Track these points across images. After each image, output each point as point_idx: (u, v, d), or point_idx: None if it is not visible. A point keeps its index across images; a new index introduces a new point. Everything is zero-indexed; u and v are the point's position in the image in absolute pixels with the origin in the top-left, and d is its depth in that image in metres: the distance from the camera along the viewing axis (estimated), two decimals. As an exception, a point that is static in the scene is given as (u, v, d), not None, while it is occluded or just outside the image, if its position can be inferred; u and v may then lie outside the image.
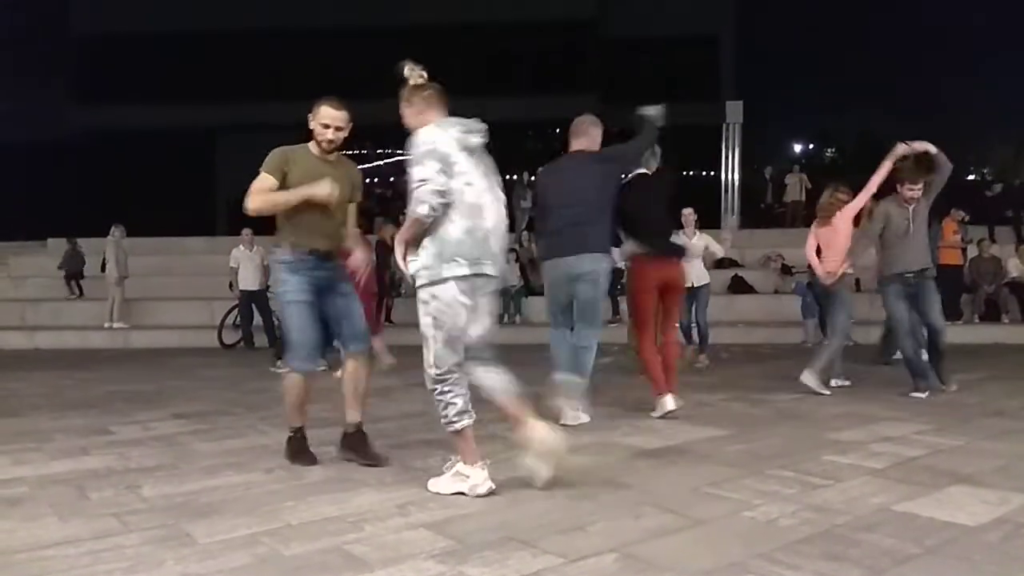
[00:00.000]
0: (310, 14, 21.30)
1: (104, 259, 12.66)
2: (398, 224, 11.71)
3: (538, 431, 3.17)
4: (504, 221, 3.25)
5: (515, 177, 15.32)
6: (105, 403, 5.91)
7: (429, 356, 3.13)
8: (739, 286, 13.12)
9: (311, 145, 3.73)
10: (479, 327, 3.20)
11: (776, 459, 3.72)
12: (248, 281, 10.41)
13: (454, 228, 3.05)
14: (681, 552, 2.49)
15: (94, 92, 21.84)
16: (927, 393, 5.56)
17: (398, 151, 20.36)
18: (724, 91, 21.42)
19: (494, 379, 3.23)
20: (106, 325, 12.20)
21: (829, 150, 36.86)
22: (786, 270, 13.03)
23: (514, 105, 20.63)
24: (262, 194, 3.60)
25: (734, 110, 17.86)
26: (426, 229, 3.06)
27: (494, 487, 3.16)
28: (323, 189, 3.55)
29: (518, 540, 2.60)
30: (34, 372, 8.25)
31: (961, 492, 3.12)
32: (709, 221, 18.22)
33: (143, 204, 18.62)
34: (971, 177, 32.14)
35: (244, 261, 10.43)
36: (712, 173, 20.29)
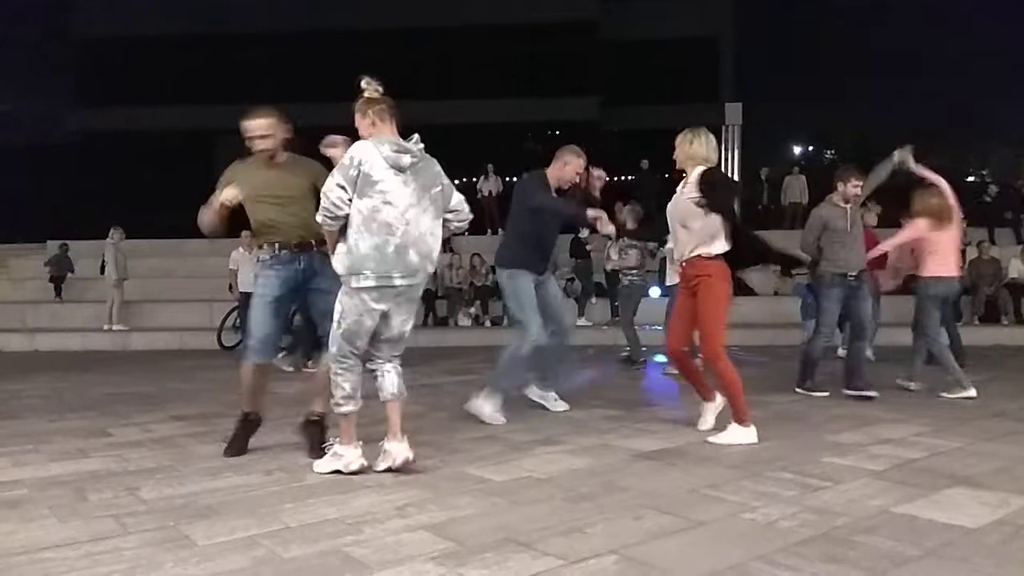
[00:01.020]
0: (311, 16, 21.30)
1: (103, 261, 12.66)
2: None
3: (396, 448, 3.49)
4: (433, 233, 3.51)
5: (515, 179, 15.35)
6: (104, 405, 5.91)
7: (330, 340, 3.51)
8: (738, 288, 13.09)
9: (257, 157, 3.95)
10: (395, 326, 3.51)
11: (775, 461, 3.71)
12: (248, 283, 10.37)
13: (364, 243, 3.34)
14: (681, 554, 2.48)
15: (94, 94, 21.83)
16: (827, 394, 5.72)
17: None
18: (723, 93, 21.44)
19: (390, 380, 3.55)
20: (105, 327, 12.20)
21: (828, 152, 36.86)
22: (786, 272, 13.02)
23: (515, 107, 20.66)
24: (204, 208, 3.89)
25: (733, 112, 17.89)
26: (338, 238, 3.40)
27: (366, 464, 3.48)
28: (223, 195, 3.78)
29: (518, 542, 2.60)
30: (34, 374, 8.25)
31: (961, 494, 3.12)
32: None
33: (142, 206, 18.61)
34: (971, 179, 32.15)
35: (244, 263, 10.42)
36: (712, 175, 20.29)
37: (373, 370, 3.56)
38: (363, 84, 3.53)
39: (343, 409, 3.48)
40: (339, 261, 3.41)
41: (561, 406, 5.17)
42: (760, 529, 2.73)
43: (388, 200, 3.35)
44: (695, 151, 4.36)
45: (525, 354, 4.80)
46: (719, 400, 4.50)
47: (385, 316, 3.47)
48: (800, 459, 3.75)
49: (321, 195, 3.38)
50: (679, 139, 4.44)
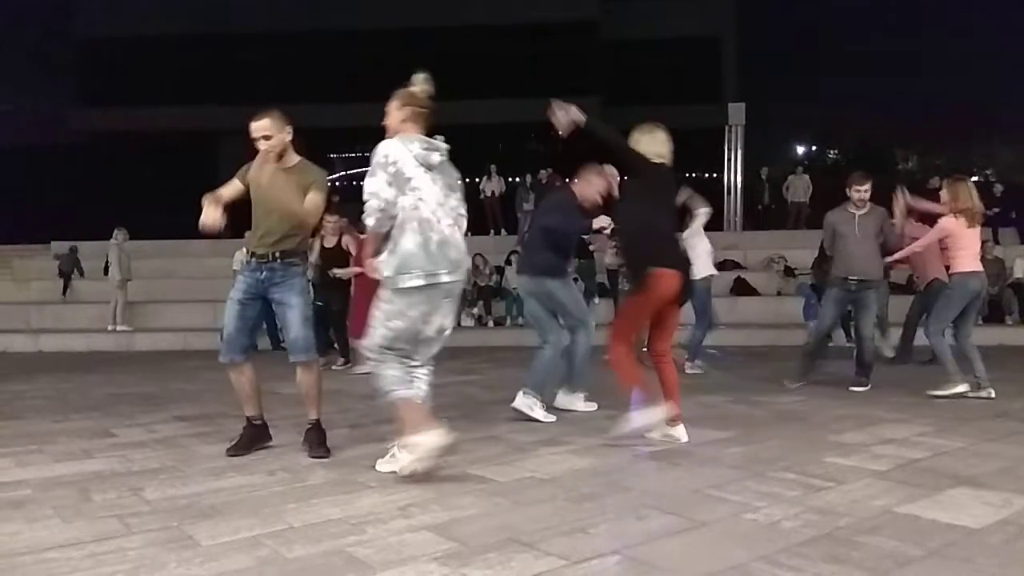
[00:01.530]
0: (313, 16, 21.33)
1: (107, 262, 12.68)
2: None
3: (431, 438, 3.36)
4: (461, 230, 3.52)
5: (518, 180, 15.35)
6: (108, 406, 5.92)
7: (370, 339, 3.46)
8: (742, 288, 13.09)
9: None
10: (436, 326, 3.48)
11: (778, 461, 3.71)
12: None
13: (408, 242, 3.32)
14: (683, 554, 2.49)
15: (97, 95, 21.87)
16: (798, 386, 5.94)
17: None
18: (726, 93, 21.41)
19: (419, 385, 3.53)
20: (109, 328, 12.21)
21: (831, 152, 36.83)
22: (789, 272, 13.01)
23: (517, 107, 20.64)
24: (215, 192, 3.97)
25: (736, 112, 17.84)
26: (383, 239, 3.37)
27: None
28: (208, 214, 3.82)
29: (520, 542, 2.60)
30: (38, 375, 8.26)
31: (964, 494, 3.12)
32: (712, 223, 18.25)
33: (146, 207, 18.64)
34: (975, 179, 32.04)
35: (247, 264, 10.42)
36: (715, 175, 20.28)
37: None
38: (419, 79, 3.52)
39: (397, 394, 3.40)
40: (385, 264, 3.37)
41: (591, 405, 5.18)
42: (763, 529, 2.73)
43: (421, 197, 3.34)
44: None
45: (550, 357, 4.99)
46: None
47: (427, 316, 3.42)
48: (803, 459, 3.75)
49: (366, 197, 3.33)
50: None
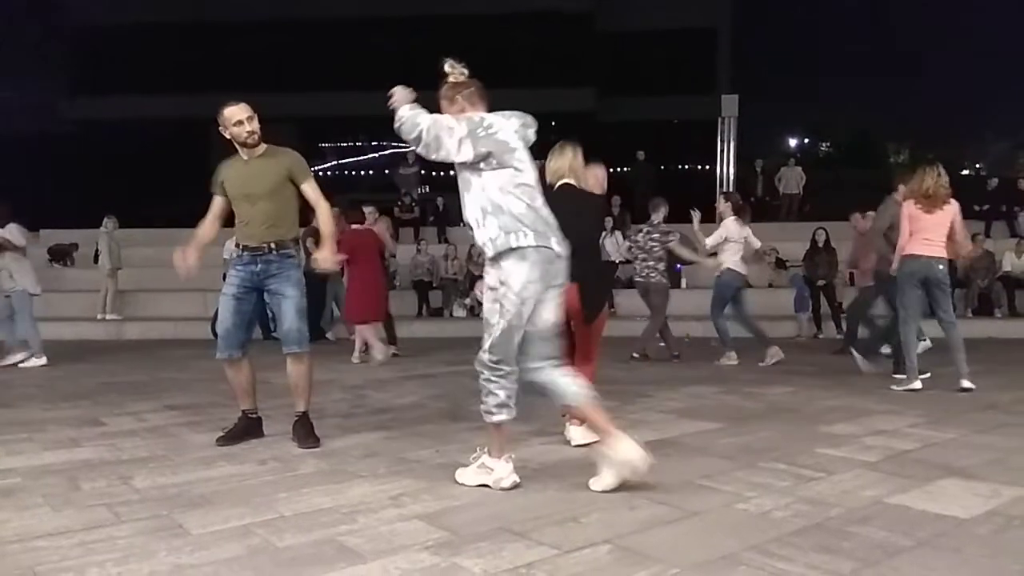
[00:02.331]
0: (306, 5, 21.16)
1: (97, 250, 12.60)
2: (392, 216, 11.41)
3: (623, 445, 3.06)
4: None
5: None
6: (98, 394, 5.89)
7: (487, 342, 3.10)
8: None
9: (240, 152, 3.94)
10: (543, 317, 3.13)
11: (769, 452, 3.72)
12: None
13: (515, 206, 3.03)
14: (674, 544, 2.49)
15: (88, 83, 21.68)
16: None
17: (392, 143, 20.32)
18: (720, 85, 21.40)
19: (564, 382, 3.16)
20: (99, 317, 12.14)
21: (824, 144, 36.93)
22: (780, 264, 13.04)
23: (511, 97, 20.49)
24: (202, 223, 4.11)
25: (729, 104, 17.87)
26: (487, 202, 3.05)
27: (519, 481, 3.13)
28: (178, 259, 4.01)
29: (512, 531, 2.60)
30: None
31: (953, 485, 3.13)
32: (705, 215, 18.29)
33: (136, 195, 18.52)
34: (965, 172, 32.21)
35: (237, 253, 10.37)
36: (707, 167, 20.30)
37: (531, 380, 3.18)
38: (447, 68, 3.28)
39: (496, 418, 3.11)
40: (487, 234, 3.05)
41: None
42: (754, 519, 2.74)
43: (522, 170, 3.11)
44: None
45: None
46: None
47: (535, 305, 3.08)
48: (794, 450, 3.76)
49: (433, 126, 3.00)
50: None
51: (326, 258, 3.93)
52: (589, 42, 21.48)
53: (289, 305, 3.90)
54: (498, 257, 3.06)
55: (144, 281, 13.51)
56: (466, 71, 3.31)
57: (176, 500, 3.02)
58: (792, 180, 16.63)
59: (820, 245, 10.59)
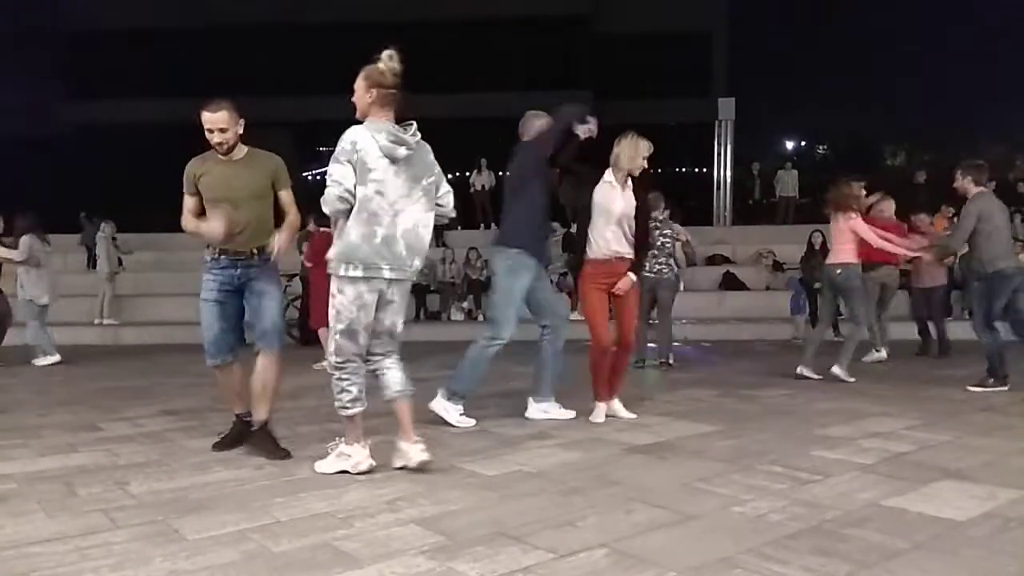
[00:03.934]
0: (305, 9, 21.19)
1: (95, 255, 12.60)
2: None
3: (411, 449, 3.44)
4: (425, 225, 3.44)
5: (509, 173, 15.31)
6: (94, 399, 5.88)
7: (330, 345, 3.42)
8: (730, 282, 13.15)
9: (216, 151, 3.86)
10: (385, 322, 3.44)
11: (765, 455, 3.73)
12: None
13: (354, 232, 3.27)
14: (671, 547, 2.49)
15: (84, 87, 21.69)
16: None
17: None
18: (716, 88, 21.44)
19: (392, 376, 3.49)
20: (96, 321, 12.14)
21: (821, 147, 36.99)
22: (777, 266, 13.07)
23: (508, 100, 20.58)
24: (184, 219, 3.93)
25: (726, 107, 17.89)
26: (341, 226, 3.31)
27: (375, 463, 3.44)
28: (212, 228, 3.67)
29: (508, 536, 2.60)
30: (23, 368, 8.21)
31: (949, 487, 3.14)
32: (702, 218, 18.34)
33: (134, 200, 18.51)
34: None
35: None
36: (704, 170, 20.32)
37: (373, 370, 3.49)
38: (385, 56, 3.33)
39: (350, 412, 3.41)
40: (332, 251, 3.34)
41: (568, 414, 4.87)
42: (750, 522, 2.74)
43: (380, 190, 3.27)
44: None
45: (491, 355, 4.78)
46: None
47: (376, 309, 3.39)
48: (790, 453, 3.76)
49: (329, 184, 3.27)
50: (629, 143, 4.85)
51: (282, 241, 3.84)
52: (586, 45, 21.53)
53: (272, 302, 3.87)
54: (333, 277, 3.38)
55: (141, 286, 13.52)
56: (398, 70, 3.34)
57: (172, 505, 3.02)
58: (789, 183, 16.67)
59: (817, 248, 10.61)
